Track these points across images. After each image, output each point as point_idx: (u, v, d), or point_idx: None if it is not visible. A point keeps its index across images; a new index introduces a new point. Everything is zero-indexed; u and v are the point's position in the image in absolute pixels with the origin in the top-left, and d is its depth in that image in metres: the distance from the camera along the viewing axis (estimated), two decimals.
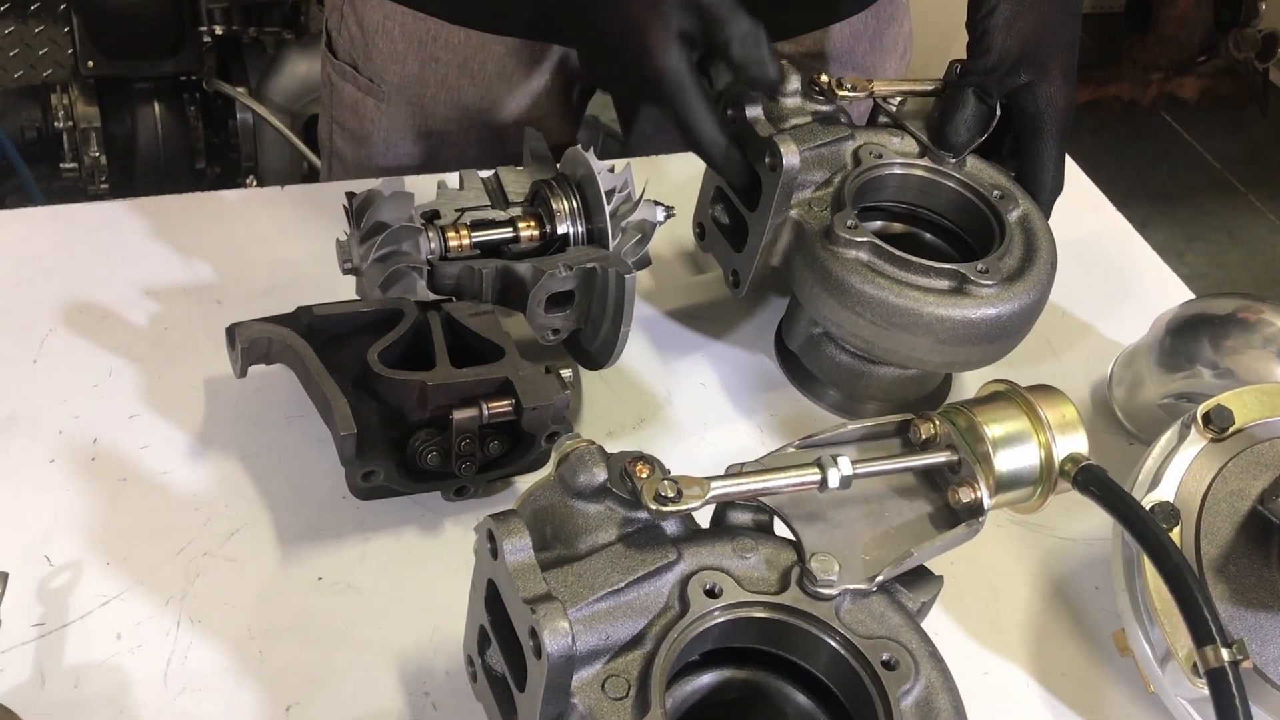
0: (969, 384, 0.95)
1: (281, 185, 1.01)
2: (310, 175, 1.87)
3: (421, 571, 0.75)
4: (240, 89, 1.86)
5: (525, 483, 0.81)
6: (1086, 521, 0.84)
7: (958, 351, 0.83)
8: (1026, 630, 0.80)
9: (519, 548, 0.56)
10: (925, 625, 0.63)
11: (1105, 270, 1.07)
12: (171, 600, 0.71)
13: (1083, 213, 1.13)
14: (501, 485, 0.81)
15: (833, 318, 0.83)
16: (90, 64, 1.85)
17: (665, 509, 0.59)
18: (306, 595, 0.73)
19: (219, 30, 1.79)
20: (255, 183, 1.91)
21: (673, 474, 0.61)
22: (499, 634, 0.60)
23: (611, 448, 0.85)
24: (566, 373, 0.77)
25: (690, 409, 0.89)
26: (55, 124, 1.89)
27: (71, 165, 1.93)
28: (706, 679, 0.62)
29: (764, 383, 0.93)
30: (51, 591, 0.70)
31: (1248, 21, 2.65)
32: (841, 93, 0.88)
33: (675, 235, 0.99)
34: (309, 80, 1.86)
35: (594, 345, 0.84)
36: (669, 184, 1.08)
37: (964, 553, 0.68)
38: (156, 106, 1.87)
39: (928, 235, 0.91)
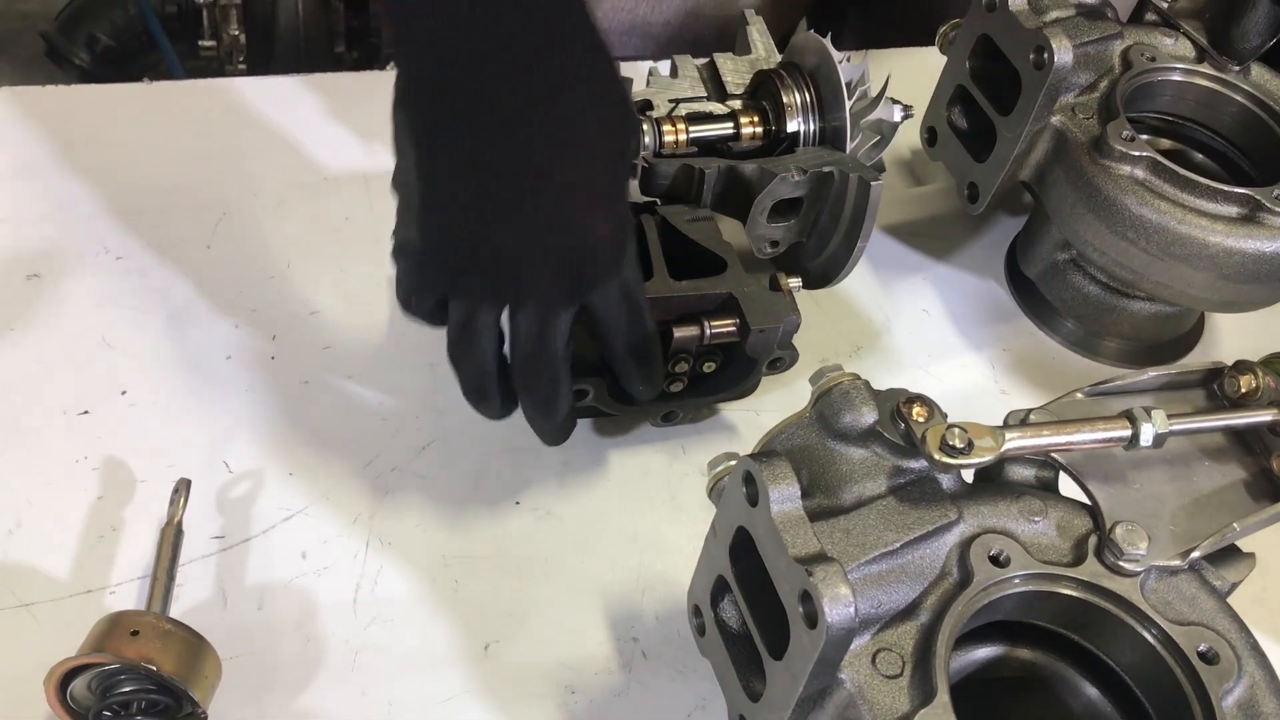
0: (1224, 328, 0.84)
1: None
2: None
3: (625, 501, 0.68)
4: None
5: (733, 411, 0.73)
6: None
7: (1240, 289, 0.72)
8: None
9: (786, 496, 0.48)
10: None
11: None
12: (360, 519, 0.65)
13: None
14: (708, 411, 0.73)
15: (1097, 243, 0.73)
16: None
17: (952, 461, 0.50)
18: (504, 521, 0.66)
19: None
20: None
21: (953, 420, 0.52)
22: (745, 589, 0.52)
23: None
24: (795, 282, 0.68)
25: (912, 338, 0.80)
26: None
27: (210, 43, 1.87)
28: (980, 654, 0.54)
29: (994, 312, 0.83)
30: (232, 501, 0.64)
31: None
32: None
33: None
34: None
35: (816, 261, 0.75)
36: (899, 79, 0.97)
37: None
38: None
39: (1198, 155, 0.80)
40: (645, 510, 0.68)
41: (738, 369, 0.69)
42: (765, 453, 0.50)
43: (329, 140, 0.82)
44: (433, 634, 0.61)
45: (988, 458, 0.51)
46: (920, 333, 0.80)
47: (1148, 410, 0.53)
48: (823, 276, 0.75)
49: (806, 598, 0.46)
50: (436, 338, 0.73)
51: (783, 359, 0.68)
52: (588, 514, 0.67)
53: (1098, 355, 0.81)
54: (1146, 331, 0.80)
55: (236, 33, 1.85)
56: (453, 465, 0.67)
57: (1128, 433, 0.53)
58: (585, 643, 0.62)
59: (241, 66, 1.90)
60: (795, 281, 0.68)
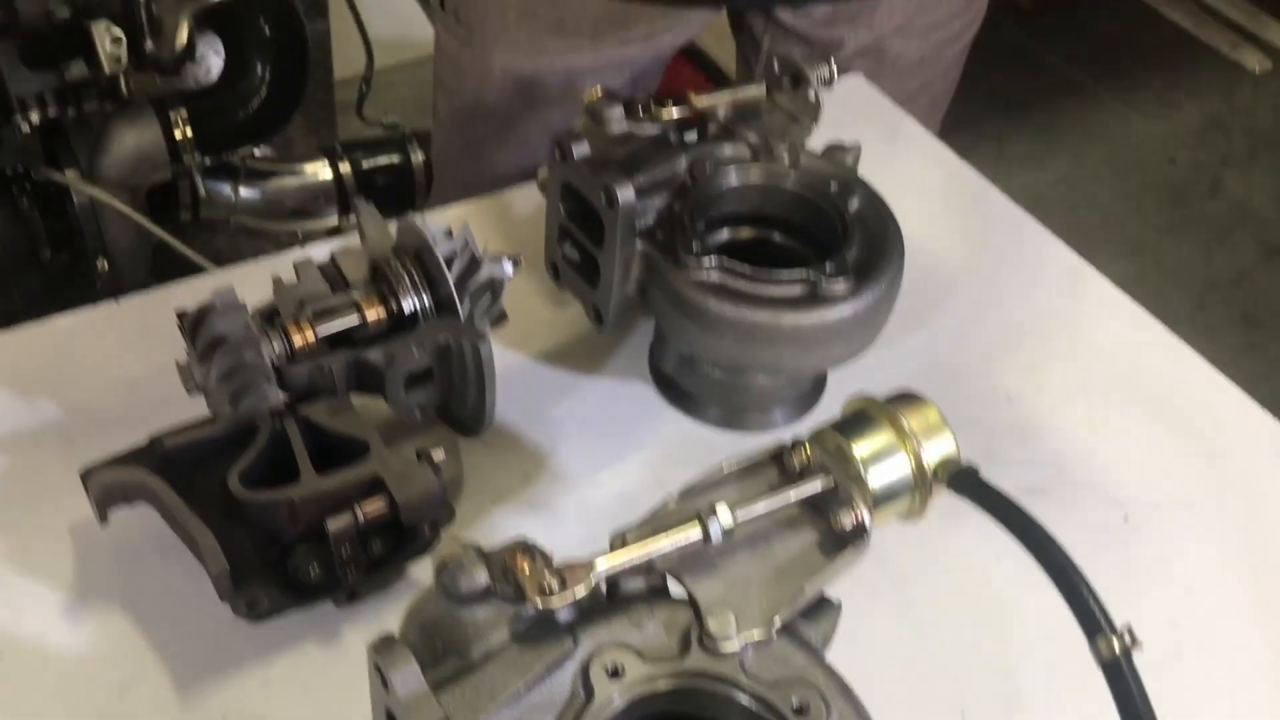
0: (844, 373, 0.95)
1: (131, 263, 0.97)
2: (160, 249, 1.80)
3: (328, 687, 0.73)
4: (72, 171, 1.78)
5: (420, 568, 0.79)
6: None
7: (823, 354, 0.83)
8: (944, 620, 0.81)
9: (408, 677, 0.55)
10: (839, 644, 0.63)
11: (953, 217, 1.08)
12: None
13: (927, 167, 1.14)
14: (395, 575, 0.79)
15: (696, 342, 0.83)
16: None
17: (552, 603, 0.58)
18: None
19: (36, 119, 1.71)
20: (105, 265, 1.84)
21: (555, 559, 0.60)
22: None
23: (500, 512, 0.84)
24: (438, 453, 0.76)
25: (576, 454, 0.88)
26: None
27: None
28: None
29: (646, 410, 0.92)
30: None
31: None
32: (664, 114, 0.87)
33: (536, 267, 0.97)
34: (141, 149, 1.78)
35: (464, 413, 0.83)
36: (516, 218, 1.06)
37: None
38: None
39: (777, 236, 0.91)
40: (346, 689, 0.72)
41: (406, 536, 0.75)
42: (386, 641, 0.57)
43: None
44: None
45: (582, 592, 0.59)
46: (583, 447, 0.89)
47: (713, 506, 0.62)
48: (473, 427, 0.83)
49: None
50: (124, 577, 0.77)
51: (441, 518, 0.75)
52: (293, 708, 0.72)
53: (743, 427, 0.90)
54: (774, 397, 0.90)
55: None
56: (157, 698, 0.72)
57: (699, 533, 0.62)
58: None
59: None
60: (439, 453, 0.75)
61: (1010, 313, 1.01)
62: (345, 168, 2.00)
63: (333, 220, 2.04)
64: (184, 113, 1.78)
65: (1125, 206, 2.60)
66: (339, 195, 2.00)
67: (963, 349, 0.97)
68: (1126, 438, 0.92)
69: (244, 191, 1.94)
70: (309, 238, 2.13)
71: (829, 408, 0.92)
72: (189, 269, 1.85)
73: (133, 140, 1.78)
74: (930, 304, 1.00)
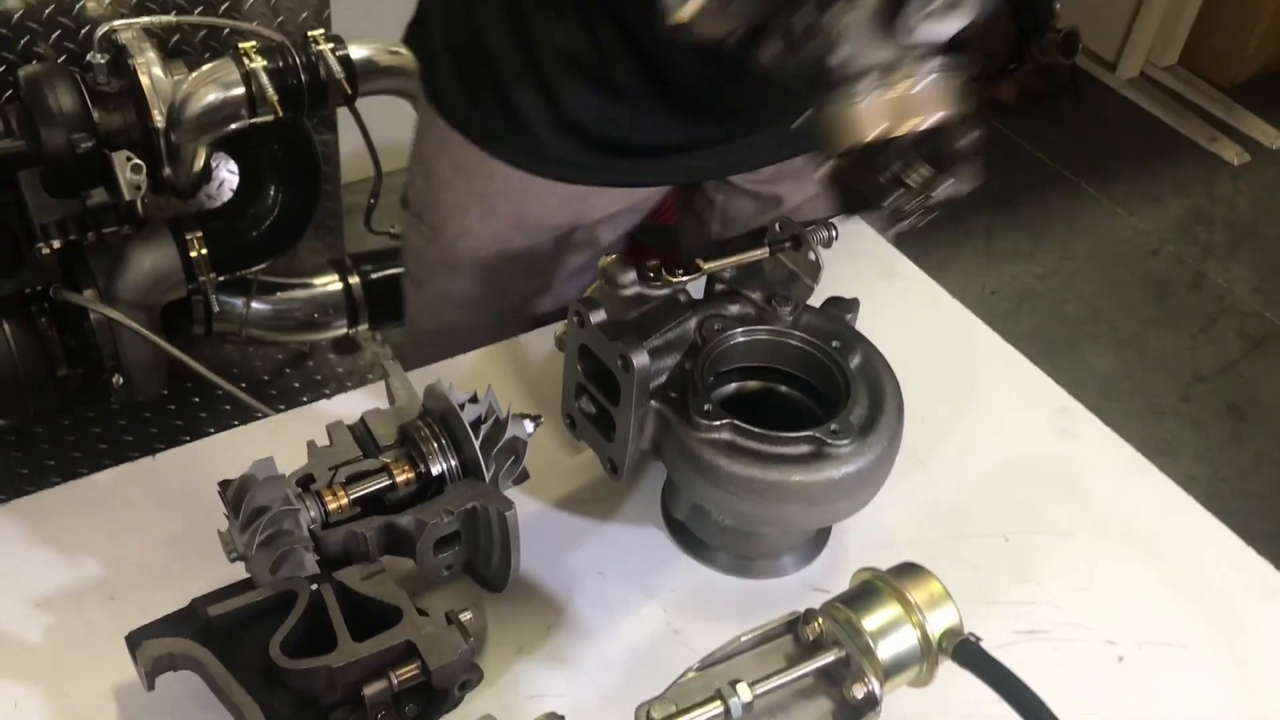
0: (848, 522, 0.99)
1: (145, 378, 1.01)
2: (174, 366, 1.85)
3: None
4: (89, 291, 1.83)
5: None
6: None
7: (828, 509, 0.87)
8: None
9: None
10: None
11: (948, 356, 1.13)
12: None
13: (918, 307, 1.20)
14: None
15: (708, 497, 0.87)
16: None
17: None
18: None
19: (56, 244, 1.76)
20: (120, 379, 1.88)
21: None
22: None
23: (522, 664, 0.88)
24: (466, 615, 0.79)
25: (594, 602, 0.92)
26: None
27: None
28: None
29: (659, 556, 0.96)
30: None
31: (1045, 26, 2.79)
32: (674, 278, 0.92)
33: (551, 413, 1.00)
34: (157, 270, 1.84)
35: (489, 572, 0.87)
36: (532, 363, 1.11)
37: None
38: (5, 325, 1.83)
39: (783, 388, 0.95)
40: None
41: (436, 698, 0.79)
42: None
43: (33, 565, 0.89)
44: None
45: None
46: (600, 595, 0.92)
47: (733, 684, 0.66)
48: (497, 584, 0.87)
49: None
50: None
51: (470, 680, 0.79)
52: None
53: (751, 574, 0.94)
54: (782, 545, 0.94)
55: None
56: None
57: (721, 709, 0.66)
58: None
59: None
60: (467, 615, 0.79)
61: (1005, 452, 1.05)
62: (354, 279, 2.06)
63: (341, 330, 2.09)
64: (199, 234, 1.83)
65: (1111, 299, 2.67)
66: (348, 306, 2.06)
67: (961, 489, 1.02)
68: (1120, 577, 0.96)
69: (255, 305, 2.00)
70: (316, 348, 2.19)
71: (834, 552, 0.97)
72: (201, 381, 1.90)
73: (149, 261, 1.84)
74: (928, 445, 1.04)
